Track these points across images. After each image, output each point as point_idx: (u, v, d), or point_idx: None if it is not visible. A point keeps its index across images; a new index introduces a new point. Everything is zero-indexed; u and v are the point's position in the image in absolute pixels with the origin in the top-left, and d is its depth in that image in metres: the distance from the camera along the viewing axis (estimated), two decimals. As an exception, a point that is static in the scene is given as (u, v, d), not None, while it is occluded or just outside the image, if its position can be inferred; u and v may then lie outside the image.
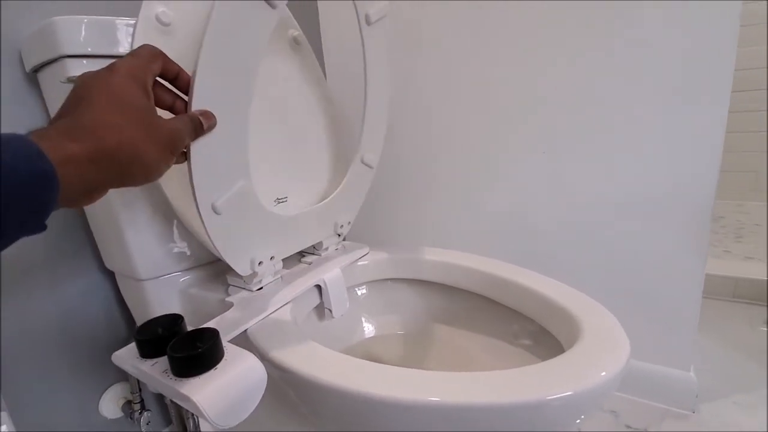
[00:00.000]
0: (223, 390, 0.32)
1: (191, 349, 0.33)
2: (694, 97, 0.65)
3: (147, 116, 0.29)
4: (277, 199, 0.60)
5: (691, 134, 0.67)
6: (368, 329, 0.62)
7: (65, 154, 0.23)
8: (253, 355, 0.35)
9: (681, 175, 0.69)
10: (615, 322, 0.43)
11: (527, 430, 0.37)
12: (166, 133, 0.30)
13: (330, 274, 0.58)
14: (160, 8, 0.48)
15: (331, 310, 0.58)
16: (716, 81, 0.63)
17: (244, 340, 0.45)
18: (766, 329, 1.02)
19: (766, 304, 1.08)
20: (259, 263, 0.49)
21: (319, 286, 0.58)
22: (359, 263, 0.62)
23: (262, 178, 0.58)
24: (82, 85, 0.28)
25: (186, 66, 0.51)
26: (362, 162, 0.65)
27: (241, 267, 0.48)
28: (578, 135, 0.75)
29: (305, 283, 0.54)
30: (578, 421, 0.39)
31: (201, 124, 0.36)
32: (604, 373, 0.37)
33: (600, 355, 0.38)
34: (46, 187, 0.21)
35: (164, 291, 0.57)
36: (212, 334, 0.34)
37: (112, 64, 0.30)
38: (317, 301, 0.58)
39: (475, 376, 0.37)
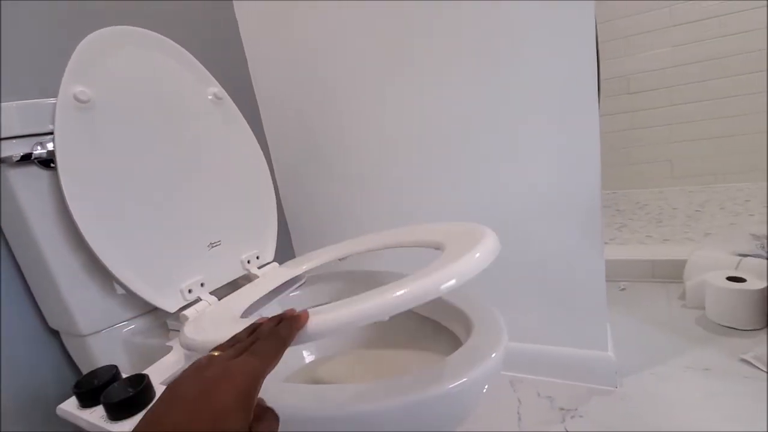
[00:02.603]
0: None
1: (122, 395, 0.37)
2: (569, 112, 0.76)
3: None
4: (211, 243, 0.65)
5: (573, 140, 0.77)
6: (307, 354, 0.67)
7: None
8: (182, 392, 0.40)
9: (570, 177, 0.80)
10: (497, 317, 0.50)
11: (446, 412, 0.44)
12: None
13: (267, 309, 0.63)
14: (78, 87, 0.53)
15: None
16: (584, 100, 0.75)
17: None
18: (680, 303, 1.14)
19: (677, 280, 1.21)
20: (189, 291, 0.55)
21: (257, 320, 0.63)
22: (292, 294, 0.67)
23: (194, 224, 0.63)
24: (175, 390, 0.26)
25: (109, 143, 0.56)
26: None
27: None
28: (485, 151, 0.85)
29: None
30: (484, 390, 0.46)
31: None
32: (494, 355, 0.44)
33: (484, 346, 0.45)
34: None
35: (108, 344, 0.61)
36: (141, 379, 0.39)
37: (223, 365, 0.27)
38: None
39: (390, 382, 0.43)
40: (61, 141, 0.51)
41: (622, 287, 1.26)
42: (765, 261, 1.02)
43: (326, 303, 0.70)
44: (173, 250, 0.60)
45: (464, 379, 0.43)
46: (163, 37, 0.63)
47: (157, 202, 0.59)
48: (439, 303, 0.57)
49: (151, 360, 0.58)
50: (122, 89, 0.58)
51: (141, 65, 0.60)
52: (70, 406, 0.42)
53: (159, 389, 0.42)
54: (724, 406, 0.78)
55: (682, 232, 1.52)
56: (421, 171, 0.93)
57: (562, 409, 0.84)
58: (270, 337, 0.32)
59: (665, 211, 1.76)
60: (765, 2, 1.72)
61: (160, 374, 0.48)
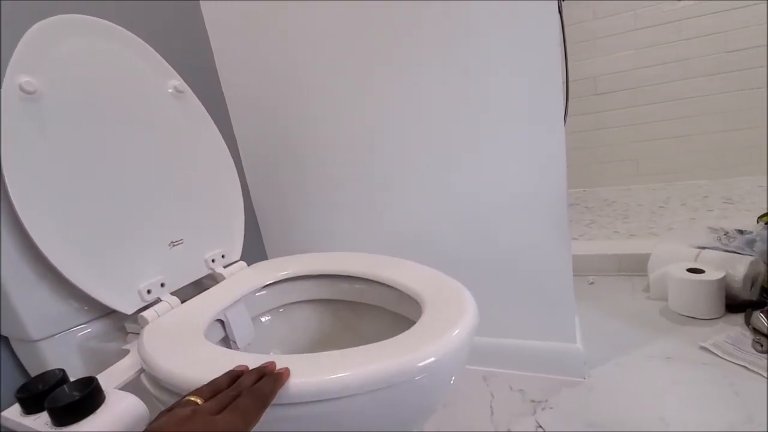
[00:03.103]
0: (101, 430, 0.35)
1: (67, 399, 0.35)
2: (536, 117, 0.77)
3: None
4: (172, 242, 0.63)
5: (540, 139, 0.79)
6: (275, 353, 0.66)
7: None
8: (134, 396, 0.38)
9: (538, 177, 0.81)
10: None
11: (412, 402, 0.43)
12: None
13: (232, 308, 0.61)
14: (24, 78, 0.50)
15: (235, 342, 0.61)
16: (550, 102, 0.76)
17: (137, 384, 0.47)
18: (645, 295, 1.18)
19: (642, 273, 1.25)
20: (148, 291, 0.53)
21: (222, 322, 0.61)
22: (258, 293, 0.66)
23: (152, 222, 0.61)
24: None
25: (59, 137, 0.53)
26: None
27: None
28: (456, 151, 0.86)
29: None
30: (451, 382, 0.44)
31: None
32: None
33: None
34: None
35: (61, 349, 0.58)
36: (89, 382, 0.37)
37: (207, 420, 0.29)
38: (222, 334, 0.61)
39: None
40: (6, 134, 0.48)
41: (591, 281, 1.30)
42: (722, 252, 1.07)
43: (294, 303, 0.69)
44: (129, 249, 0.57)
45: (426, 374, 0.42)
46: (117, 26, 0.61)
47: (110, 199, 0.57)
48: (407, 299, 0.57)
49: (107, 365, 0.55)
50: (73, 80, 0.55)
51: (94, 56, 0.58)
52: (12, 413, 0.40)
53: (112, 394, 0.40)
54: (686, 392, 0.81)
55: (647, 227, 1.57)
56: (392, 169, 0.93)
57: (533, 401, 0.85)
58: (252, 394, 0.32)
59: (631, 208, 1.82)
60: (724, 6, 1.80)
61: (114, 379, 0.46)
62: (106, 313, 0.61)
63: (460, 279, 0.54)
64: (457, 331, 0.42)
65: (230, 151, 0.77)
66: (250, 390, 0.33)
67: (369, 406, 0.40)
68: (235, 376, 0.36)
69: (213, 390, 0.34)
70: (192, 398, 0.32)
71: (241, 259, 0.74)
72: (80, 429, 0.34)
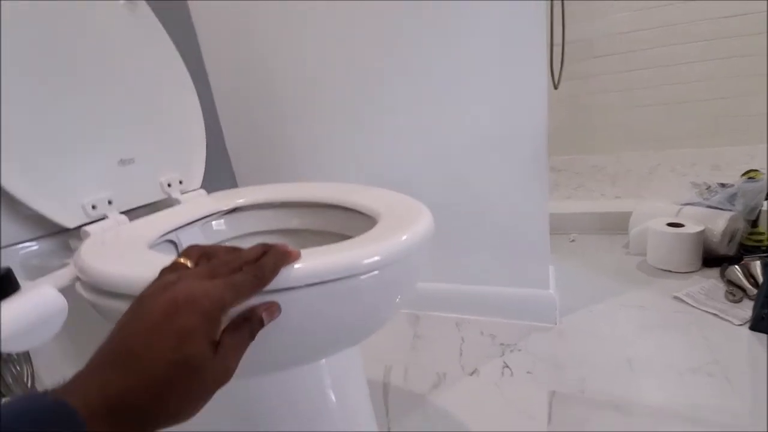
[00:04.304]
0: (6, 316, 0.32)
1: (-27, 284, 0.33)
2: (517, 60, 0.74)
3: (193, 379, 0.23)
4: (122, 160, 0.60)
5: (520, 82, 0.75)
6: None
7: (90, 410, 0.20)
8: (50, 286, 0.36)
9: (518, 123, 0.78)
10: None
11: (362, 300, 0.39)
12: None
13: (185, 230, 0.58)
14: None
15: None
16: (533, 47, 0.73)
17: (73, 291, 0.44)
18: (624, 251, 1.17)
19: (623, 232, 1.24)
20: (93, 207, 0.50)
21: (174, 243, 0.58)
22: (214, 223, 0.63)
23: (98, 136, 0.57)
24: (142, 303, 0.25)
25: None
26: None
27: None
28: (436, 95, 0.82)
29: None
30: (398, 300, 0.42)
31: (260, 323, 0.28)
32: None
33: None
34: None
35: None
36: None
37: (191, 286, 0.25)
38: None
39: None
40: None
41: (572, 239, 1.28)
42: (703, 208, 1.05)
43: (253, 233, 0.66)
44: (73, 161, 0.54)
45: (371, 274, 0.39)
46: None
47: (54, 109, 0.53)
48: (368, 221, 0.54)
49: (51, 282, 0.53)
50: None
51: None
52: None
53: (28, 286, 0.37)
54: (655, 337, 0.80)
55: (634, 191, 1.55)
56: (371, 111, 0.89)
57: (502, 344, 0.85)
58: (252, 271, 0.28)
59: (620, 174, 1.80)
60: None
61: (54, 281, 0.43)
62: (52, 232, 0.58)
63: (437, 223, 0.51)
64: (405, 236, 0.40)
65: (200, 85, 0.73)
66: (253, 266, 0.28)
67: (312, 302, 0.37)
68: (236, 250, 0.31)
69: (206, 253, 0.30)
70: (182, 260, 0.29)
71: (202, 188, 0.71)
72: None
